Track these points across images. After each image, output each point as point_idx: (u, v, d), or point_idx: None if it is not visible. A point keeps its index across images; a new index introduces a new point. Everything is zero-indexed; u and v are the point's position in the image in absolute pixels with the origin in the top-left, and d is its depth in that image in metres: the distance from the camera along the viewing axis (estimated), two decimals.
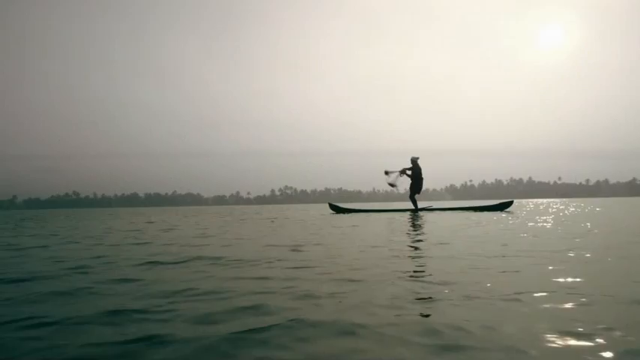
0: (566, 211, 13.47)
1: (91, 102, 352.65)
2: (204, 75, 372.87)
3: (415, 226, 7.49)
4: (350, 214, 14.89)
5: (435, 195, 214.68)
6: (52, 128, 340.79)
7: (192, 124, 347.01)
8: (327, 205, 18.15)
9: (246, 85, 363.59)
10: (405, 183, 15.47)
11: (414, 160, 15.34)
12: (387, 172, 15.61)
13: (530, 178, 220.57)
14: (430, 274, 2.69)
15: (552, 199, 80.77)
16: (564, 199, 75.77)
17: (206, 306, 1.98)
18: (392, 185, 15.59)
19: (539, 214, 11.23)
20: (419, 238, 5.24)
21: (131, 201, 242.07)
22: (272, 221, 10.55)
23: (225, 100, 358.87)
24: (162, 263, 3.41)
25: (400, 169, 15.37)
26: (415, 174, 15.23)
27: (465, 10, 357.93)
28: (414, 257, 3.59)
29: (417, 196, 15.46)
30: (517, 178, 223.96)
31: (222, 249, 4.38)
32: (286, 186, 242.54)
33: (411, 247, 4.28)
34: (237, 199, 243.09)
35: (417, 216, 12.01)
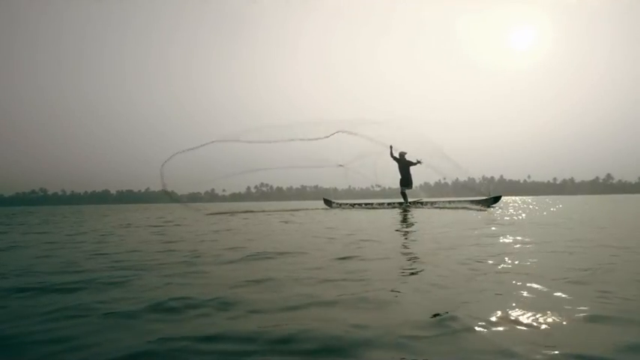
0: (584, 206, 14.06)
1: (60, 98, 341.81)
2: (190, 74, 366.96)
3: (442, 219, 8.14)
4: (351, 209, 15.80)
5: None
6: (17, 122, 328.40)
7: (165, 120, 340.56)
8: (322, 200, 19.35)
9: (229, 82, 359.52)
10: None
11: (402, 155, 15.83)
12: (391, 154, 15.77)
13: (501, 176, 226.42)
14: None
15: (544, 196, 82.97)
16: (536, 197, 77.98)
17: None
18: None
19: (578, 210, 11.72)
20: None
21: (102, 198, 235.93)
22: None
23: (212, 98, 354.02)
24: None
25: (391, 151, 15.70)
26: (404, 168, 15.78)
27: (427, 11, 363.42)
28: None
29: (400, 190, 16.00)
30: (489, 177, 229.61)
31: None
32: (262, 183, 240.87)
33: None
34: (212, 197, 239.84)
35: (408, 208, 13.40)
